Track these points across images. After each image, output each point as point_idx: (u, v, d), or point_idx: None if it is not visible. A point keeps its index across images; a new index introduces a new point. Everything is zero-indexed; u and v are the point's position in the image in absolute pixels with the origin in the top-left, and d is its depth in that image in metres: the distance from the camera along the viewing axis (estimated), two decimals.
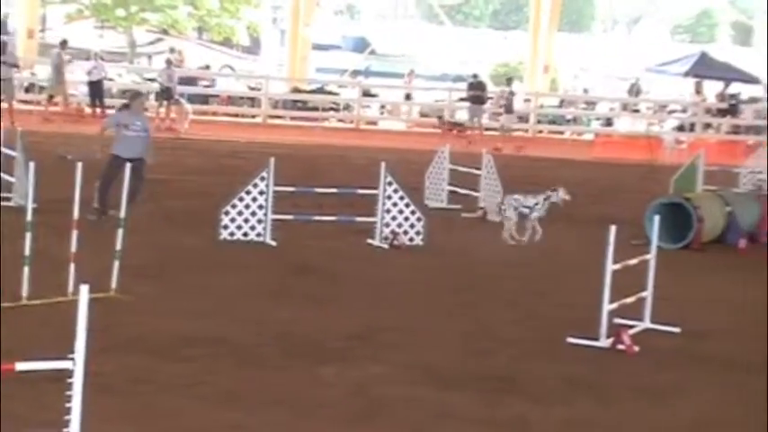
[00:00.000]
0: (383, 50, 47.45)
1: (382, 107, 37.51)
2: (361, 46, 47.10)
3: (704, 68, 39.07)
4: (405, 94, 37.72)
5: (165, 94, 29.81)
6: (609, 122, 37.98)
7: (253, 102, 34.91)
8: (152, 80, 34.67)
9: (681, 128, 37.18)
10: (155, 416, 7.23)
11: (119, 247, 10.30)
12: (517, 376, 8.65)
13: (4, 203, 14.44)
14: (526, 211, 15.00)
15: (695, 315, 11.04)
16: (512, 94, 33.01)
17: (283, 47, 41.19)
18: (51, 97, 29.90)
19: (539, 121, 36.84)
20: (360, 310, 10.59)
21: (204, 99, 34.57)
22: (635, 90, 39.28)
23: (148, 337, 9.10)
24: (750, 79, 39.45)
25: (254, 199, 13.75)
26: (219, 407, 7.47)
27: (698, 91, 38.85)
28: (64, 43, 30.41)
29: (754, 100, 38.67)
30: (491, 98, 36.62)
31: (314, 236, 14.16)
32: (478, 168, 17.40)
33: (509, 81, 33.47)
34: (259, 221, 13.76)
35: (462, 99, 34.54)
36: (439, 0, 60.17)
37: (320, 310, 10.45)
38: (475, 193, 17.40)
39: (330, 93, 36.10)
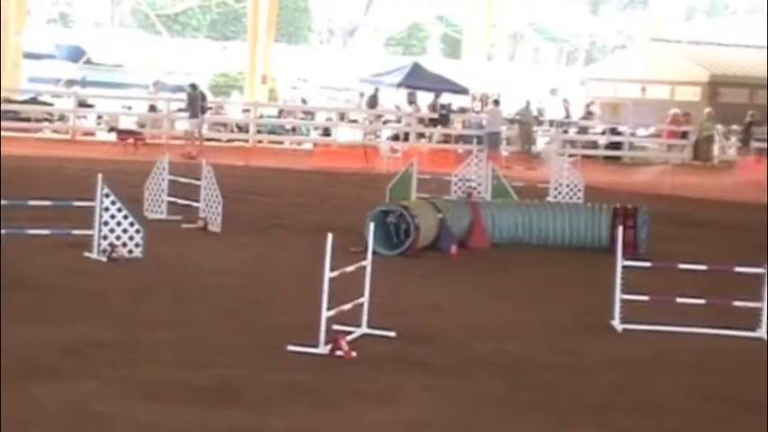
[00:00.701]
0: (99, 60, 46.54)
1: (99, 117, 36.80)
2: (75, 55, 46.02)
3: (416, 79, 40.31)
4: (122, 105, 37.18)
5: None
6: (327, 132, 38.61)
7: None
8: None
9: (396, 137, 38.21)
10: None
11: None
12: (235, 386, 8.70)
13: None
14: None
15: (411, 319, 11.42)
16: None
17: None
18: None
19: (258, 131, 37.05)
20: (76, 324, 10.41)
21: None
22: (373, 101, 39.89)
23: None
24: (459, 90, 40.97)
25: None
26: None
27: (411, 101, 40.02)
28: None
29: (463, 110, 40.21)
30: (210, 108, 36.60)
31: (28, 250, 13.79)
32: (198, 179, 17.40)
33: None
34: None
35: (181, 109, 34.35)
36: (155, 9, 59.51)
37: (34, 326, 10.20)
38: (195, 204, 17.39)
39: (44, 103, 35.14)
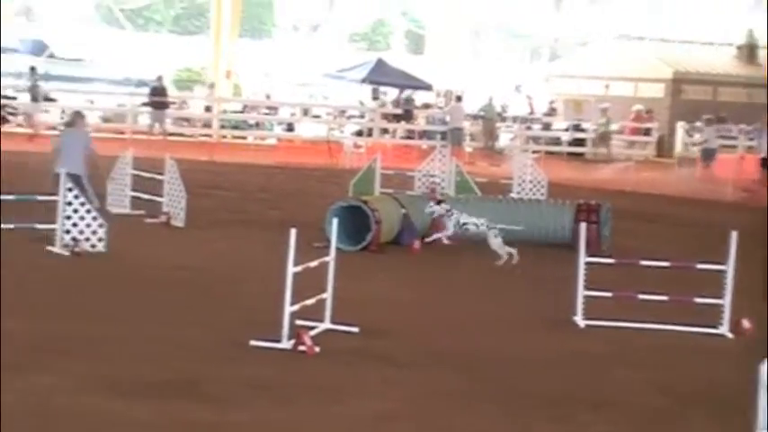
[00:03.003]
0: (62, 54, 46.23)
1: (63, 111, 36.60)
2: (38, 49, 45.68)
3: (380, 75, 40.32)
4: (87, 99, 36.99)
5: None
6: (291, 127, 38.58)
7: None
8: None
9: (360, 133, 38.23)
10: None
11: None
12: (196, 381, 8.71)
13: None
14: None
15: (373, 314, 11.46)
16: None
17: None
18: None
19: (222, 127, 36.98)
20: (37, 319, 10.39)
21: None
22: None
23: None
24: (423, 86, 41.02)
25: None
26: None
27: (375, 97, 40.03)
28: None
29: (426, 106, 40.26)
30: (173, 103, 36.48)
31: None
32: (161, 173, 17.36)
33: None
34: None
35: (144, 104, 34.23)
36: (118, 4, 59.21)
37: None
38: (159, 199, 17.35)
39: (7, 97, 34.88)
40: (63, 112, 36.45)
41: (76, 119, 16.83)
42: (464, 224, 15.85)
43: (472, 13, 50.25)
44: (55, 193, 14.36)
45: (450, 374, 9.48)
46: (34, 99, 31.45)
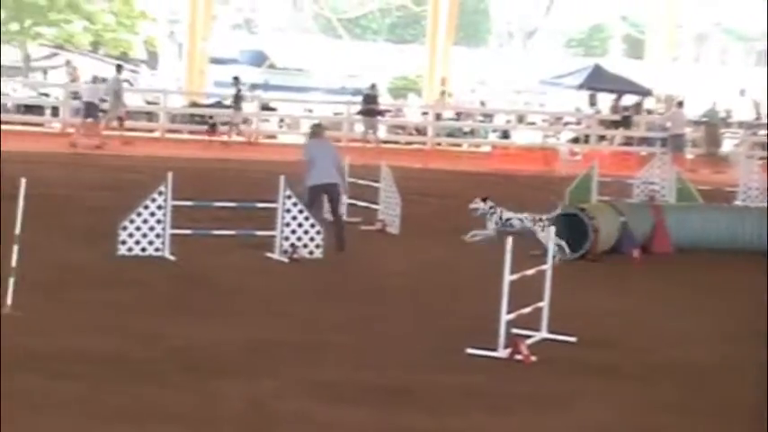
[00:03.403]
0: (282, 64, 47.37)
1: (281, 121, 37.47)
2: (259, 59, 46.97)
3: (598, 81, 39.72)
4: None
5: (91, 110, 29.57)
6: (506, 135, 38.40)
7: (150, 116, 34.59)
8: (46, 95, 34.23)
9: (576, 140, 37.74)
10: None
11: (14, 263, 10.15)
12: (413, 388, 8.70)
13: None
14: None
15: (590, 324, 11.22)
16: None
17: (181, 61, 40.91)
18: (121, 120, 29.92)
19: (437, 134, 37.13)
20: (257, 324, 10.58)
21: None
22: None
23: (42, 354, 8.99)
24: (642, 91, 40.20)
25: (153, 214, 13.65)
26: (112, 424, 7.41)
27: (592, 103, 39.43)
28: (119, 68, 30.80)
29: (648, 112, 39.40)
30: (389, 111, 36.80)
31: (213, 250, 14.10)
32: (377, 181, 17.48)
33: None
34: (157, 236, 13.65)
35: (358, 112, 34.70)
36: (336, 14, 60.30)
37: (218, 325, 10.41)
38: (374, 206, 17.48)
39: (228, 107, 35.93)
40: (281, 121, 37.34)
41: (319, 130, 16.38)
42: (507, 220, 15.89)
43: (694, 16, 48.94)
44: (310, 205, 14.55)
45: (668, 386, 9.18)
46: (237, 108, 32.27)
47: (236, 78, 33.27)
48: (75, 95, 33.36)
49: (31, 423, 7.33)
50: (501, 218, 16.02)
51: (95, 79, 31.09)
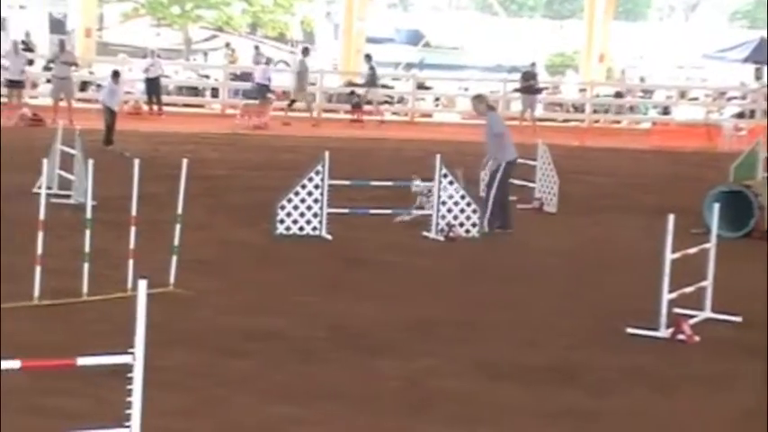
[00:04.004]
0: (437, 42, 47.32)
1: (437, 99, 37.46)
2: (415, 38, 47.02)
3: (764, 54, 38.57)
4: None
5: (261, 91, 30.24)
6: (666, 111, 37.62)
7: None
8: (207, 77, 34.93)
9: (741, 115, 36.72)
10: (212, 410, 7.28)
11: (177, 242, 10.37)
12: (573, 367, 8.61)
13: (63, 201, 14.60)
14: None
15: (755, 304, 10.90)
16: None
17: (337, 41, 41.22)
18: (293, 102, 30.81)
19: (594, 111, 36.59)
20: (414, 302, 10.59)
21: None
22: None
23: (206, 331, 9.17)
24: None
25: (310, 193, 13.78)
26: (275, 401, 7.51)
27: (758, 77, 38.30)
28: (306, 51, 31.67)
29: None
30: (546, 88, 36.37)
31: (369, 229, 14.17)
32: (534, 159, 17.31)
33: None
34: (315, 215, 13.78)
35: (516, 90, 34.40)
36: None
37: (375, 303, 10.46)
38: (531, 184, 17.31)
39: (384, 86, 36.07)
40: (437, 99, 37.34)
41: (489, 103, 16.09)
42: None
43: None
44: (504, 181, 14.51)
45: None
46: (372, 85, 32.25)
47: (368, 56, 33.36)
48: (235, 77, 34.02)
49: (196, 397, 7.47)
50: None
51: (269, 61, 31.69)
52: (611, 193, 19.41)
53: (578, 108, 36.49)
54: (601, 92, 37.85)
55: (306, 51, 32.50)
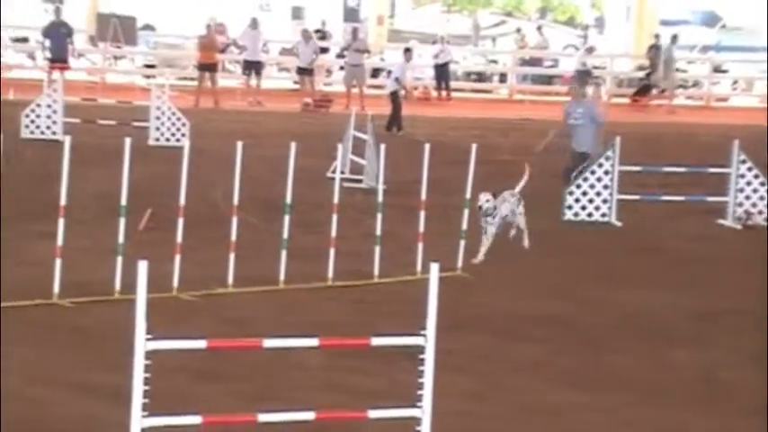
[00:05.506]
0: (735, 24, 45.63)
1: (734, 83, 36.17)
2: (711, 20, 45.51)
3: None
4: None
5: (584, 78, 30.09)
6: None
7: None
8: (494, 62, 35.02)
9: None
10: (502, 394, 7.28)
11: (465, 227, 10.42)
12: None
13: (355, 185, 14.94)
14: None
15: None
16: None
17: (628, 23, 40.43)
18: (664, 91, 30.89)
19: None
20: (707, 292, 10.27)
21: (547, 80, 34.55)
22: None
23: (493, 316, 9.18)
24: None
25: (599, 179, 13.57)
26: (566, 387, 7.43)
27: None
28: (674, 38, 31.37)
29: None
30: None
31: (661, 216, 13.83)
32: None
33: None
34: (604, 201, 13.56)
35: None
36: None
37: (667, 292, 10.20)
38: None
39: (677, 70, 35.12)
40: (734, 83, 36.06)
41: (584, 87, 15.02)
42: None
43: None
44: (572, 170, 13.85)
45: None
46: (656, 71, 31.09)
47: (656, 36, 32.32)
48: (524, 62, 33.94)
49: (484, 380, 7.49)
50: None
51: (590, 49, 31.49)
52: None
53: None
54: None
55: (674, 38, 31.01)
